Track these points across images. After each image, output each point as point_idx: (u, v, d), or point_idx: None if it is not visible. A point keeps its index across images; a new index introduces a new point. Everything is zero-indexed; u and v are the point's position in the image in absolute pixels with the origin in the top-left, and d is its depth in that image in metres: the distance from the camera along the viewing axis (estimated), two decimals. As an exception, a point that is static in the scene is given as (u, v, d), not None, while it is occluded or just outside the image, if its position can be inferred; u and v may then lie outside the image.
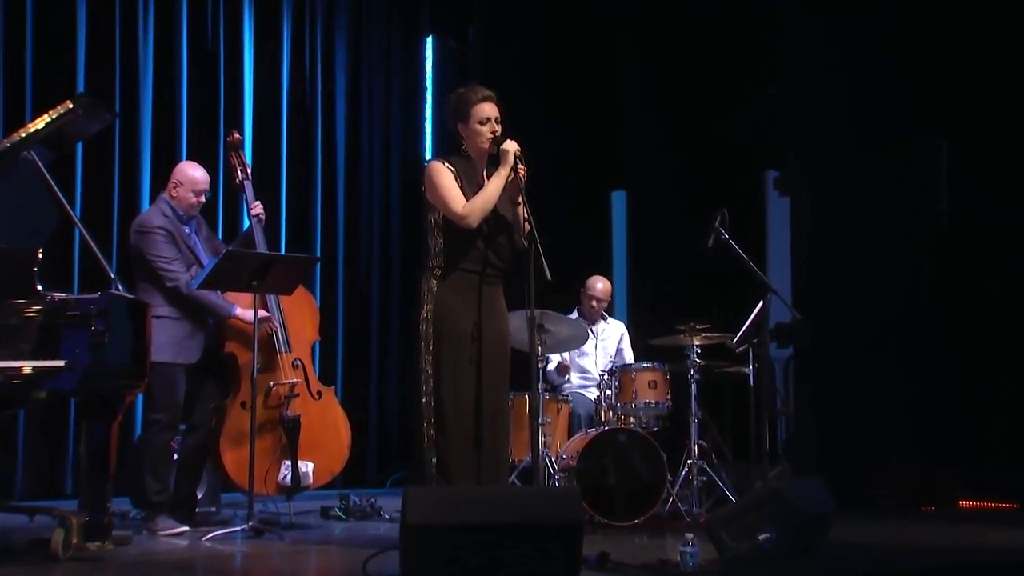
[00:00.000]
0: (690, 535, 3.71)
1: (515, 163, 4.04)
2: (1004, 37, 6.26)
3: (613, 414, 5.67)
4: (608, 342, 6.34)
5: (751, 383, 5.81)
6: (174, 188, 4.98)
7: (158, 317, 4.60)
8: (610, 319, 6.50)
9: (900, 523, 5.52)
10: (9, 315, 3.81)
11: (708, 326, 5.68)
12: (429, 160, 5.22)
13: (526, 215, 4.08)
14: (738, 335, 5.69)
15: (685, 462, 5.57)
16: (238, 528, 4.60)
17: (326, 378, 6.42)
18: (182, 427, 5.02)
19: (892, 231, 6.70)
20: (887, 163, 6.72)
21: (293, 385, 5.09)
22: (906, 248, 6.66)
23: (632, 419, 5.66)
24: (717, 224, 5.37)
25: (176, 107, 6.99)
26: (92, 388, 3.81)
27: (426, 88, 8.40)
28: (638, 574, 3.67)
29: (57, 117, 4.13)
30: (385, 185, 8.08)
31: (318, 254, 7.47)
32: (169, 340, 4.75)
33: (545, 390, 5.63)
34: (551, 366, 6.08)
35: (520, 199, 4.11)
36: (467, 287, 4.08)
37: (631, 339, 6.46)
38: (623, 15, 8.09)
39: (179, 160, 6.19)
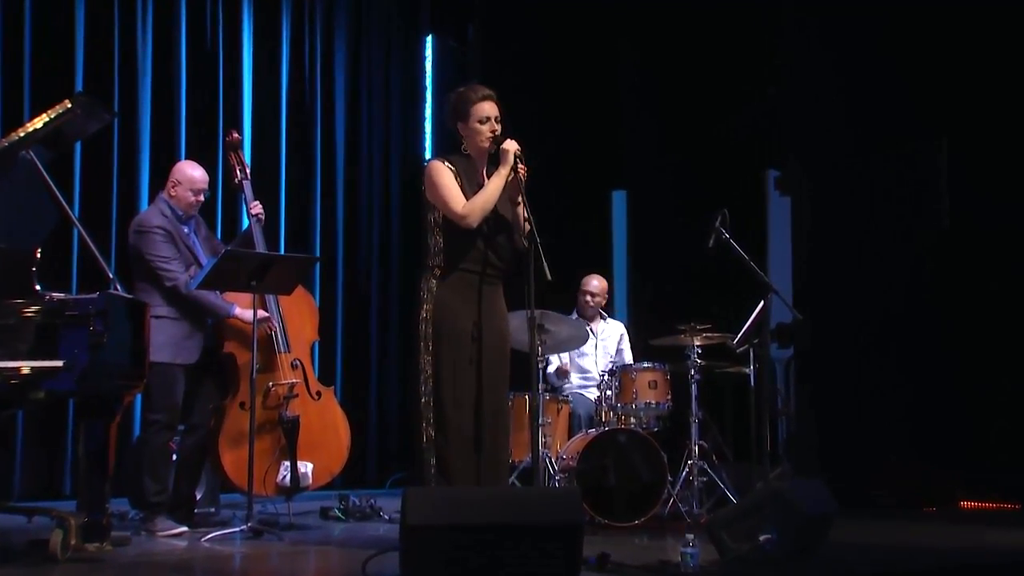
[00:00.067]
0: (691, 536, 3.70)
1: (515, 163, 4.03)
2: (1004, 37, 6.25)
3: (613, 414, 5.66)
4: (608, 342, 6.33)
5: (752, 383, 5.82)
6: (173, 187, 4.97)
7: (157, 317, 4.59)
8: (609, 319, 6.49)
9: (901, 524, 5.51)
10: (7, 315, 3.80)
11: (709, 326, 5.67)
12: (429, 159, 5.20)
13: (526, 215, 4.07)
14: (739, 335, 5.68)
15: (686, 463, 5.56)
16: (237, 529, 4.58)
17: (325, 378, 6.41)
18: (181, 427, 5.01)
19: (892, 231, 6.70)
20: (887, 163, 6.72)
21: (292, 385, 5.08)
22: (906, 248, 6.66)
23: (632, 419, 5.65)
24: (718, 224, 5.36)
25: (175, 106, 6.98)
26: (90, 388, 3.79)
27: (426, 88, 8.40)
28: (638, 575, 3.66)
29: (56, 116, 4.12)
30: (385, 185, 8.07)
31: (317, 254, 7.46)
32: (168, 340, 4.74)
33: (545, 390, 5.62)
34: (551, 368, 6.07)
35: (520, 199, 4.10)
36: (467, 287, 4.07)
37: (631, 339, 6.45)
38: (623, 15, 8.09)
39: (178, 160, 6.18)
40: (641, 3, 7.93)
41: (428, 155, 8.25)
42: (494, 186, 4.03)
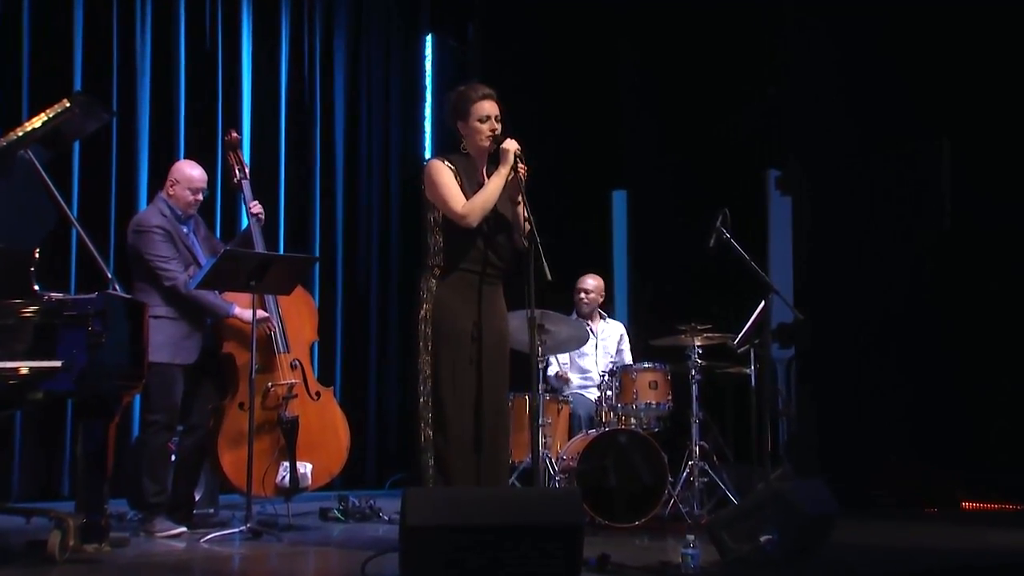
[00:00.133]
0: (691, 537, 3.69)
1: (515, 162, 4.02)
2: (1005, 36, 6.24)
3: (614, 415, 5.65)
4: (608, 342, 6.32)
5: (753, 384, 5.80)
6: (171, 187, 4.96)
7: (156, 317, 4.58)
8: (609, 319, 6.48)
9: (902, 524, 5.50)
10: (6, 315, 3.79)
11: (709, 326, 5.66)
12: (428, 159, 5.20)
13: (526, 214, 4.05)
14: (740, 335, 5.67)
15: (686, 463, 5.55)
16: (236, 530, 4.56)
17: (325, 379, 6.40)
18: (180, 428, 5.00)
19: (893, 231, 6.70)
20: (888, 163, 6.71)
21: (291, 386, 5.06)
22: (907, 248, 6.65)
23: (633, 420, 5.63)
24: (718, 224, 5.34)
25: (174, 106, 6.97)
26: (89, 389, 3.79)
27: (425, 87, 8.39)
28: (639, 576, 3.65)
29: (54, 116, 4.11)
30: (384, 184, 8.06)
31: (317, 254, 7.46)
32: (167, 340, 4.72)
33: (545, 391, 5.61)
34: (550, 373, 6.06)
35: (520, 198, 4.08)
36: (467, 287, 4.05)
37: (632, 339, 6.44)
38: (623, 15, 8.08)
39: (177, 159, 6.16)
40: (641, 3, 7.92)
41: (428, 154, 8.24)
42: (494, 185, 4.02)
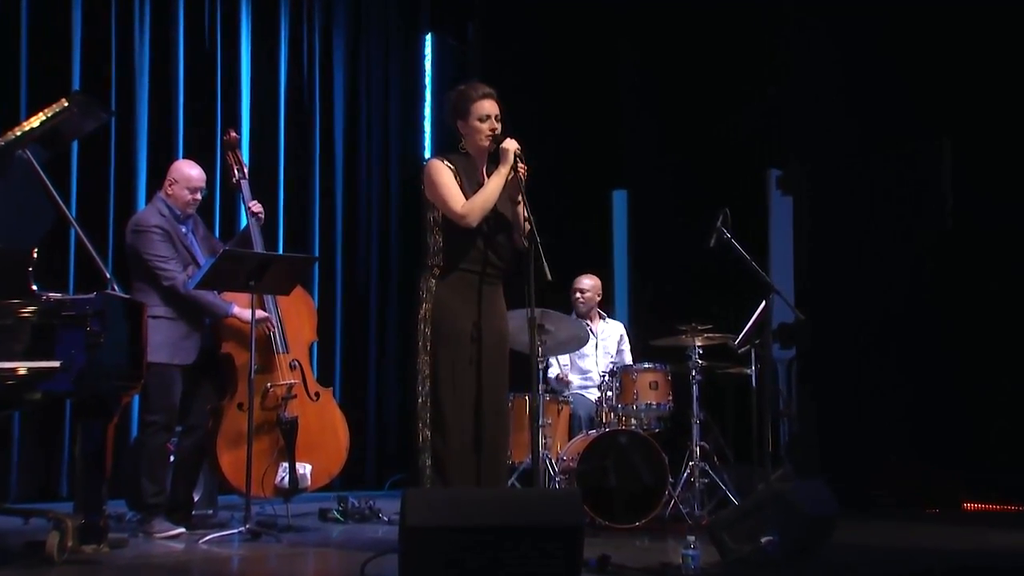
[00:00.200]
0: (692, 537, 3.68)
1: (515, 162, 4.00)
2: (1006, 36, 6.23)
3: (614, 415, 5.64)
4: (608, 342, 6.31)
5: (753, 384, 5.79)
6: (170, 186, 4.95)
7: (154, 317, 4.57)
8: (609, 319, 6.47)
9: (903, 525, 5.50)
10: (4, 315, 3.78)
11: (710, 327, 5.64)
12: (428, 158, 5.18)
13: (526, 214, 4.04)
14: (740, 336, 5.66)
15: (687, 464, 5.54)
16: (235, 531, 4.55)
17: (324, 379, 6.39)
18: (178, 429, 4.98)
19: (893, 231, 6.69)
20: (889, 163, 6.70)
21: (291, 386, 5.05)
22: (907, 248, 6.65)
23: (633, 420, 5.62)
24: (719, 223, 5.33)
25: (173, 105, 6.96)
26: (88, 389, 3.78)
27: (425, 86, 8.39)
28: (639, 577, 3.64)
29: (52, 115, 4.10)
30: (384, 184, 8.05)
31: (316, 254, 7.44)
32: (165, 340, 4.71)
33: (545, 391, 5.60)
34: (550, 375, 6.04)
35: (520, 198, 4.07)
36: (467, 287, 4.04)
37: (632, 339, 6.43)
38: (623, 15, 8.07)
39: (176, 159, 6.15)
40: (641, 3, 7.91)
41: (427, 154, 8.23)
42: (494, 185, 4.01)
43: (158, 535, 4.62)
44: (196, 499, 5.18)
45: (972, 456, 6.20)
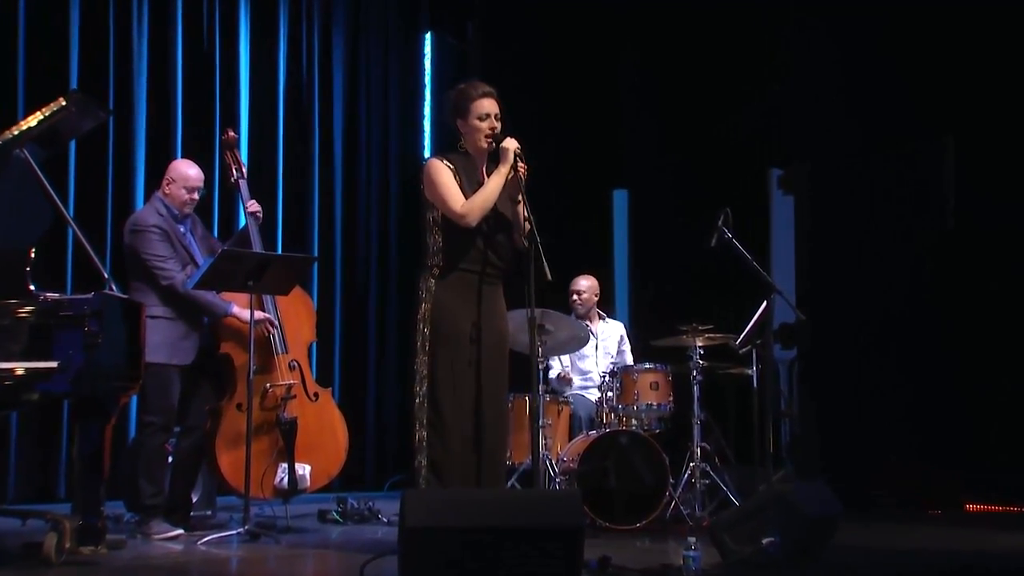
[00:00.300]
0: (693, 539, 3.66)
1: (515, 161, 3.99)
2: (1007, 35, 6.22)
3: (614, 416, 5.63)
4: (608, 343, 6.29)
5: (755, 385, 5.78)
6: (167, 185, 4.93)
7: (153, 317, 4.56)
8: (609, 320, 6.46)
9: (905, 526, 5.48)
10: (1, 316, 3.78)
11: (711, 327, 5.63)
12: (428, 158, 5.17)
13: (526, 214, 4.02)
14: (741, 336, 5.65)
15: (687, 465, 5.52)
16: (234, 532, 4.54)
17: (323, 379, 6.35)
18: (177, 429, 4.97)
19: (895, 231, 6.68)
20: (890, 162, 6.69)
21: (290, 387, 5.04)
22: (908, 248, 6.64)
23: (634, 421, 5.61)
24: (720, 223, 5.32)
25: (171, 105, 6.94)
26: (85, 390, 3.77)
27: (425, 85, 8.37)
28: (640, 579, 3.63)
29: (50, 114, 4.09)
30: (383, 183, 8.04)
31: (315, 254, 7.42)
32: (164, 341, 4.70)
33: (546, 392, 5.58)
34: (552, 375, 6.03)
35: (520, 198, 4.05)
36: (466, 287, 4.03)
37: (632, 340, 6.41)
38: (623, 15, 8.06)
39: (174, 158, 6.14)
40: (641, 3, 7.90)
41: (427, 153, 8.22)
42: (494, 184, 3.99)
43: (156, 536, 4.61)
44: (195, 500, 5.16)
45: (973, 456, 6.18)
